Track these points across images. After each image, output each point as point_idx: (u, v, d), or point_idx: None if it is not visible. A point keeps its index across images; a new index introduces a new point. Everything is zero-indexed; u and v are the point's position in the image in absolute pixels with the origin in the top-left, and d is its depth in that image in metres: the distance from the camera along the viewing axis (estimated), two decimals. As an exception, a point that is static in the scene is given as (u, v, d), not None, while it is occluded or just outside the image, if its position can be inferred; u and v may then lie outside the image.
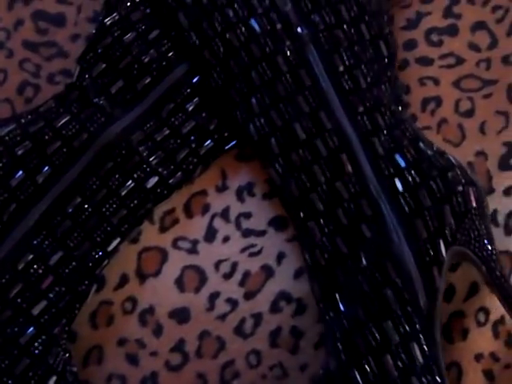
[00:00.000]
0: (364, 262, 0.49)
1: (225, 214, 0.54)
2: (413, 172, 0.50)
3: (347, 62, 0.53)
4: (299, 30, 0.54)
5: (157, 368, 0.51)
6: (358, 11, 0.55)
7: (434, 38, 0.59)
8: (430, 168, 0.51)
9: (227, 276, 0.53)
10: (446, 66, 0.58)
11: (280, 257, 0.53)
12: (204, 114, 0.55)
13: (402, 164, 0.51)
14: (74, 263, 0.50)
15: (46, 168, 0.51)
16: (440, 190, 0.50)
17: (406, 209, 0.49)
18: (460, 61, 0.58)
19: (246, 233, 0.54)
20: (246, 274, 0.53)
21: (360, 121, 0.52)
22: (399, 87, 0.56)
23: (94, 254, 0.51)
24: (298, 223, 0.52)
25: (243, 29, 0.54)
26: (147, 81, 0.55)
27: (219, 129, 0.55)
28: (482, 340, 0.51)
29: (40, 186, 0.51)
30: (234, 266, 0.53)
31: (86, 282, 0.50)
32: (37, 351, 0.47)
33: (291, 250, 0.53)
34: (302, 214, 0.51)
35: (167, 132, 0.54)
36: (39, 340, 0.48)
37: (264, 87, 0.53)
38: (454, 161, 0.52)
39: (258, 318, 0.52)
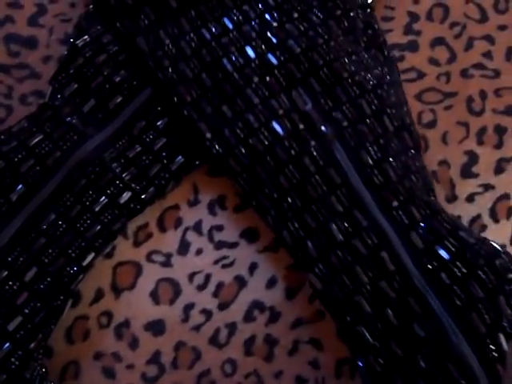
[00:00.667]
0: (422, 364, 0.47)
1: (197, 227, 0.56)
2: (458, 263, 0.48)
3: (375, 156, 0.53)
4: (323, 128, 0.53)
5: (133, 381, 0.52)
6: (378, 104, 0.54)
7: (396, 53, 0.61)
8: (476, 257, 0.49)
9: (201, 287, 0.54)
10: (408, 80, 0.60)
11: (252, 267, 0.55)
12: (174, 131, 0.56)
13: (446, 256, 0.49)
14: (49, 279, 0.51)
15: (20, 186, 0.52)
16: (490, 279, 0.48)
17: (458, 303, 0.47)
18: (421, 75, 0.60)
19: (219, 245, 0.55)
20: (220, 285, 0.54)
21: (396, 216, 0.51)
22: (428, 176, 0.55)
23: (68, 269, 0.51)
24: (345, 328, 0.50)
25: (266, 133, 0.53)
26: (118, 100, 0.56)
27: (190, 145, 0.57)
28: None
29: (14, 203, 0.52)
30: (208, 277, 0.54)
31: (62, 298, 0.51)
32: (13, 366, 0.48)
33: (263, 260, 0.55)
34: (348, 318, 0.50)
35: (139, 149, 0.56)
36: (15, 355, 0.48)
37: (294, 190, 0.52)
38: (498, 246, 0.50)
39: (232, 327, 0.53)
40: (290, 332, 0.53)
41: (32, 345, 0.49)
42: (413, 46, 0.61)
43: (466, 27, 0.62)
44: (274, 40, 0.56)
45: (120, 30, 0.57)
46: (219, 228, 0.56)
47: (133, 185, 0.54)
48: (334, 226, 0.51)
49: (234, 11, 0.57)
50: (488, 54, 0.61)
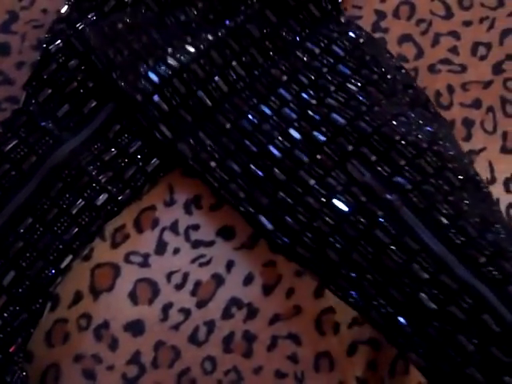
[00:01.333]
0: None
1: (174, 227, 0.56)
2: None
3: (448, 215, 0.50)
4: (387, 196, 0.52)
5: (114, 381, 0.52)
6: (438, 161, 0.53)
7: (365, 51, 0.62)
8: None
9: (179, 286, 0.55)
10: (377, 78, 0.61)
11: (229, 265, 0.55)
12: (150, 134, 0.57)
13: None
14: (27, 282, 0.51)
15: (-4, 191, 0.53)
16: None
17: None
18: (390, 72, 0.62)
19: (195, 244, 0.56)
20: (198, 284, 0.55)
21: (486, 272, 0.48)
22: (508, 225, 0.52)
23: (47, 272, 0.52)
24: None
25: (329, 212, 0.52)
26: (93, 104, 0.57)
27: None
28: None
29: (-9, 208, 0.52)
30: (186, 276, 0.55)
31: (40, 301, 0.51)
32: (-6, 369, 0.48)
33: (240, 257, 0.55)
34: None
35: (115, 152, 0.56)
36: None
37: (372, 266, 0.50)
38: None
39: (210, 325, 0.54)
40: (268, 328, 0.54)
41: (12, 348, 0.49)
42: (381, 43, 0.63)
43: (432, 24, 0.63)
44: (317, 117, 0.55)
45: (160, 139, 0.56)
46: (195, 227, 0.56)
47: (109, 187, 0.55)
48: (423, 295, 0.48)
49: (270, 97, 0.56)
50: (454, 50, 0.62)
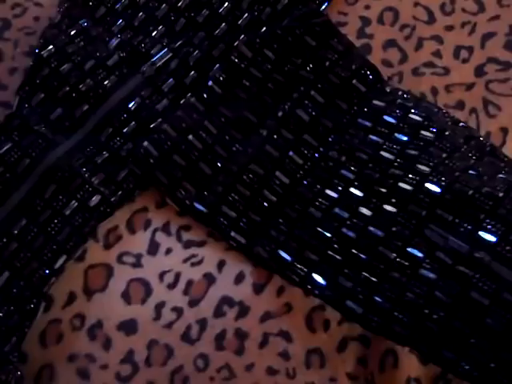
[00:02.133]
0: None
1: (166, 228, 0.57)
2: None
3: None
4: (475, 254, 0.50)
5: (108, 380, 0.53)
6: None
7: (351, 57, 0.64)
8: None
9: (171, 286, 0.55)
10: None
11: (220, 264, 0.56)
12: (141, 137, 0.58)
13: None
14: (21, 283, 0.52)
15: (-10, 193, 0.53)
16: None
17: None
18: (374, 76, 0.63)
19: (187, 244, 0.57)
20: (189, 283, 0.55)
21: None
22: None
23: (41, 272, 0.52)
24: None
25: (418, 283, 0.51)
26: (85, 108, 0.58)
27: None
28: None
29: (-15, 210, 0.53)
30: (178, 276, 0.56)
31: (35, 301, 0.52)
32: (-11, 367, 0.49)
33: (231, 257, 0.56)
34: None
35: (107, 155, 0.57)
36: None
37: (475, 332, 0.49)
38: None
39: (203, 323, 0.54)
40: (259, 325, 0.55)
41: (6, 348, 0.50)
42: (366, 49, 0.64)
43: (416, 29, 0.65)
44: (384, 190, 0.54)
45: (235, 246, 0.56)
46: (187, 228, 0.57)
47: (102, 189, 0.56)
48: None
49: (333, 180, 0.56)
50: (437, 53, 0.64)
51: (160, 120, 0.58)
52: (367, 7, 0.66)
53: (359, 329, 0.54)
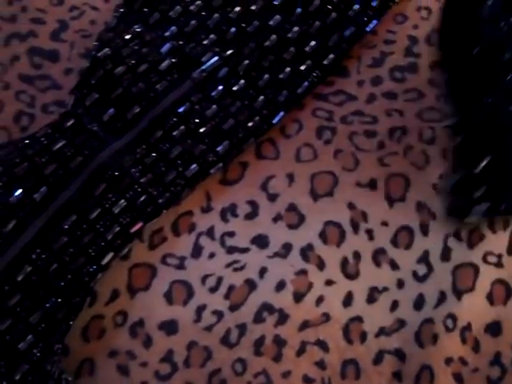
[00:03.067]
0: None
1: (210, 233, 0.58)
2: None
3: None
4: None
5: (147, 378, 0.54)
6: None
7: (398, 75, 0.65)
8: None
9: (213, 289, 0.56)
10: (408, 100, 0.64)
11: (262, 272, 0.57)
12: (189, 141, 0.59)
13: None
14: (69, 276, 0.53)
15: (43, 188, 0.55)
16: None
17: None
18: (421, 95, 0.64)
19: (230, 250, 0.58)
20: (231, 288, 0.56)
21: None
22: None
23: (88, 267, 0.54)
24: None
25: None
26: (136, 110, 0.59)
27: (204, 154, 0.59)
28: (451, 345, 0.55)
29: (38, 204, 0.54)
30: (220, 280, 0.57)
31: (81, 295, 0.53)
32: (35, 357, 0.50)
33: (273, 265, 0.57)
34: None
35: (156, 157, 0.58)
36: (37, 347, 0.50)
37: None
38: None
39: (242, 328, 0.55)
40: (297, 333, 0.55)
41: (53, 339, 0.51)
42: (413, 68, 0.65)
43: (464, 51, 0.66)
44: None
45: None
46: (231, 234, 0.58)
47: (150, 189, 0.57)
48: None
49: None
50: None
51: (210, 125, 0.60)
52: (416, 27, 0.67)
53: (396, 342, 0.55)
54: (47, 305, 0.51)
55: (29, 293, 0.51)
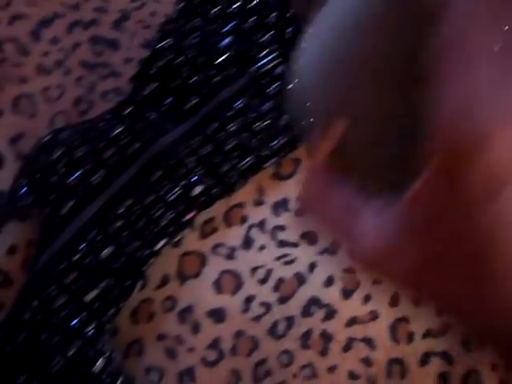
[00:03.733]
0: None
1: (261, 226, 0.59)
2: None
3: None
4: None
5: (193, 363, 0.54)
6: None
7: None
8: None
9: (262, 281, 0.57)
10: None
11: (312, 266, 0.57)
12: (246, 134, 0.60)
13: None
14: (123, 258, 0.54)
15: (101, 171, 0.56)
16: None
17: None
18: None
19: (281, 243, 0.58)
20: (280, 280, 0.57)
21: None
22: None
23: (142, 251, 0.54)
24: None
25: None
26: (194, 101, 0.60)
27: (259, 148, 0.60)
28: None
29: (95, 186, 0.55)
30: (269, 272, 0.57)
31: (133, 278, 0.54)
32: (88, 335, 0.50)
33: (322, 261, 0.57)
34: None
35: (211, 148, 0.59)
36: (91, 325, 0.51)
37: None
38: None
39: (290, 320, 0.56)
40: (344, 329, 0.56)
41: (104, 318, 0.52)
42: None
43: None
44: None
45: None
46: (282, 228, 0.59)
47: (204, 180, 0.58)
48: None
49: None
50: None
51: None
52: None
53: (443, 345, 0.55)
54: (101, 285, 0.52)
55: (84, 272, 0.52)
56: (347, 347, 0.55)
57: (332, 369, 0.55)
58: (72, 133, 0.57)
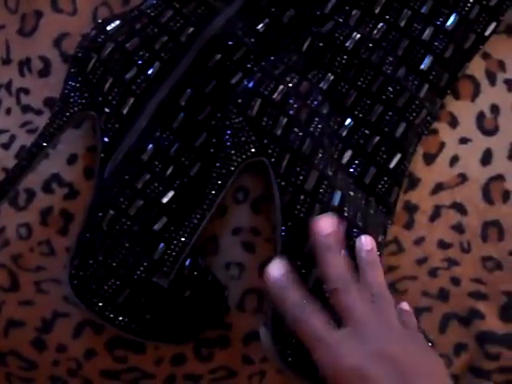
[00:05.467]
0: None
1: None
2: None
3: None
4: None
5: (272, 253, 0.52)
6: None
7: None
8: None
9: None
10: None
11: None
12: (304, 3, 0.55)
13: None
14: (192, 155, 0.51)
15: (156, 63, 0.52)
16: None
17: None
18: None
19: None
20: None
21: None
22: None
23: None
24: None
25: None
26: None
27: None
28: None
29: (152, 80, 0.52)
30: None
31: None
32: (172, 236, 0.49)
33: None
34: None
35: (268, 21, 0.54)
36: (171, 228, 0.50)
37: None
38: None
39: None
40: (430, 197, 0.53)
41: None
42: None
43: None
44: None
45: None
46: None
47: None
48: None
49: None
50: None
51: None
52: None
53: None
54: (175, 184, 0.51)
55: (156, 173, 0.50)
56: (435, 216, 0.53)
57: (419, 240, 0.53)
58: (119, 24, 0.53)
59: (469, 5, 0.52)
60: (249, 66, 0.53)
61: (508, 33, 0.54)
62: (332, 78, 0.51)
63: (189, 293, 0.50)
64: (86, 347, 0.53)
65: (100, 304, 0.49)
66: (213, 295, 0.52)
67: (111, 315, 0.49)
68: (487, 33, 0.52)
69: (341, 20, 0.52)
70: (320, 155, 0.49)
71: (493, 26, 0.52)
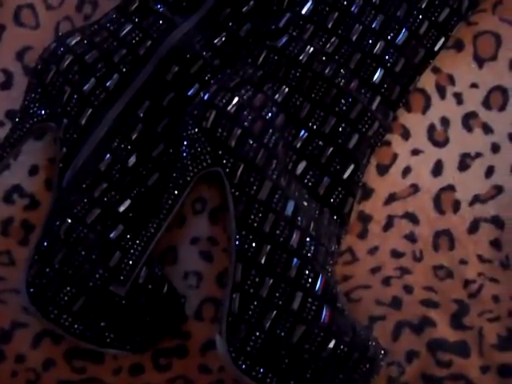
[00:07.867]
0: None
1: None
2: None
3: None
4: None
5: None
6: None
7: None
8: None
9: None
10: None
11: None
12: (260, 18, 0.56)
13: None
14: (150, 165, 0.52)
15: (115, 75, 0.53)
16: None
17: None
18: None
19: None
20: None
21: None
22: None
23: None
24: None
25: None
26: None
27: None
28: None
29: (111, 92, 0.53)
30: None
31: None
32: (127, 246, 0.50)
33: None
34: None
35: (226, 35, 0.55)
36: (127, 236, 0.51)
37: None
38: None
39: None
40: (383, 208, 0.54)
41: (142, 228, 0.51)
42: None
43: None
44: None
45: None
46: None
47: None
48: None
49: None
50: None
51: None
52: None
53: (492, 210, 0.53)
54: (132, 194, 0.51)
55: (112, 183, 0.51)
56: (388, 226, 0.54)
57: (373, 250, 0.54)
58: (79, 38, 0.54)
59: (418, 21, 0.53)
60: (206, 78, 0.54)
61: (457, 48, 0.56)
62: (287, 90, 0.52)
63: (144, 301, 0.51)
64: (45, 357, 0.53)
65: (55, 312, 0.49)
66: (169, 304, 0.52)
67: (66, 323, 0.49)
68: (436, 48, 0.54)
69: (295, 34, 0.53)
70: (274, 166, 0.50)
71: (442, 41, 0.54)
